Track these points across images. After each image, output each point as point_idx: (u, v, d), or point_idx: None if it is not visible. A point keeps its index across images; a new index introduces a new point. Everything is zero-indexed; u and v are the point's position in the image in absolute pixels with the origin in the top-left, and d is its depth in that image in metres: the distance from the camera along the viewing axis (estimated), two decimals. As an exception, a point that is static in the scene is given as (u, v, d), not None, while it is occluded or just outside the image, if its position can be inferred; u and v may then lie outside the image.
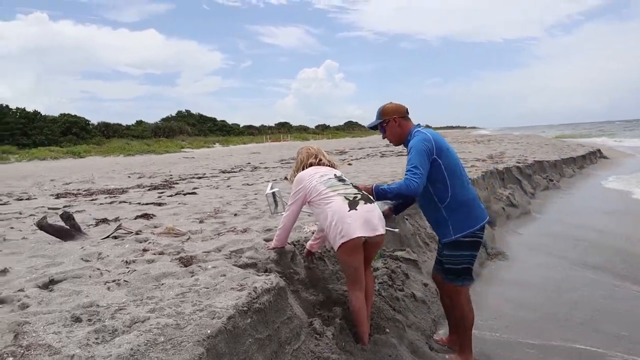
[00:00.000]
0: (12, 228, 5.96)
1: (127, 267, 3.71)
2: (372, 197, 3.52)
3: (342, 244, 3.28)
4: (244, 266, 3.68)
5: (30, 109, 53.77)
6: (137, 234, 5.00)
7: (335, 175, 3.64)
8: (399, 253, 5.51)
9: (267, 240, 4.35)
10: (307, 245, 4.18)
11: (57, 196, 9.95)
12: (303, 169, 3.79)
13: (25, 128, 49.72)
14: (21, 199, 9.67)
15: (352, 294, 3.50)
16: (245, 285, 3.13)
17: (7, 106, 52.15)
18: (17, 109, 52.98)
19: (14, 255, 4.38)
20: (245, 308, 2.86)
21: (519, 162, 13.64)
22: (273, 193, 4.79)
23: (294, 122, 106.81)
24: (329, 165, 3.87)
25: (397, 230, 5.17)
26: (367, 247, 3.40)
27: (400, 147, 4.66)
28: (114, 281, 3.37)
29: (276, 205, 4.82)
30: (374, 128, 3.95)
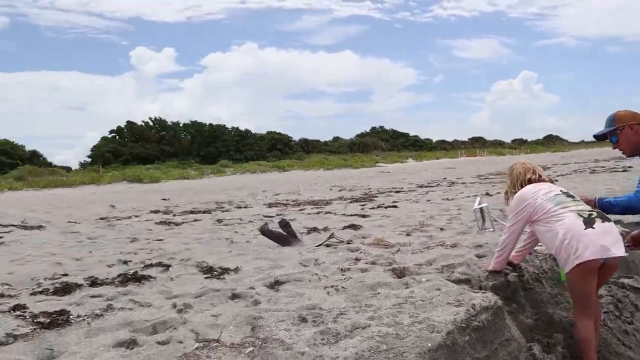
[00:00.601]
0: (236, 232, 6.73)
1: (343, 275, 3.89)
2: (607, 216, 3.17)
3: (577, 265, 3.01)
4: (458, 282, 3.59)
5: (242, 128, 61.48)
6: (348, 243, 5.23)
7: (561, 191, 3.37)
8: (625, 280, 4.88)
9: (478, 256, 4.21)
10: (510, 257, 3.91)
11: (270, 205, 10.97)
12: (522, 186, 3.55)
13: (238, 145, 57.02)
14: (240, 207, 10.87)
15: (579, 322, 3.18)
16: (462, 301, 3.05)
17: (224, 126, 60.44)
18: (232, 128, 60.95)
19: (241, 256, 4.92)
20: (463, 325, 2.78)
21: None
22: (481, 208, 4.64)
23: (488, 137, 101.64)
24: (548, 181, 3.60)
25: (626, 253, 4.61)
26: (602, 270, 3.08)
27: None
28: (332, 286, 3.56)
29: (484, 221, 4.65)
30: (601, 138, 3.57)
